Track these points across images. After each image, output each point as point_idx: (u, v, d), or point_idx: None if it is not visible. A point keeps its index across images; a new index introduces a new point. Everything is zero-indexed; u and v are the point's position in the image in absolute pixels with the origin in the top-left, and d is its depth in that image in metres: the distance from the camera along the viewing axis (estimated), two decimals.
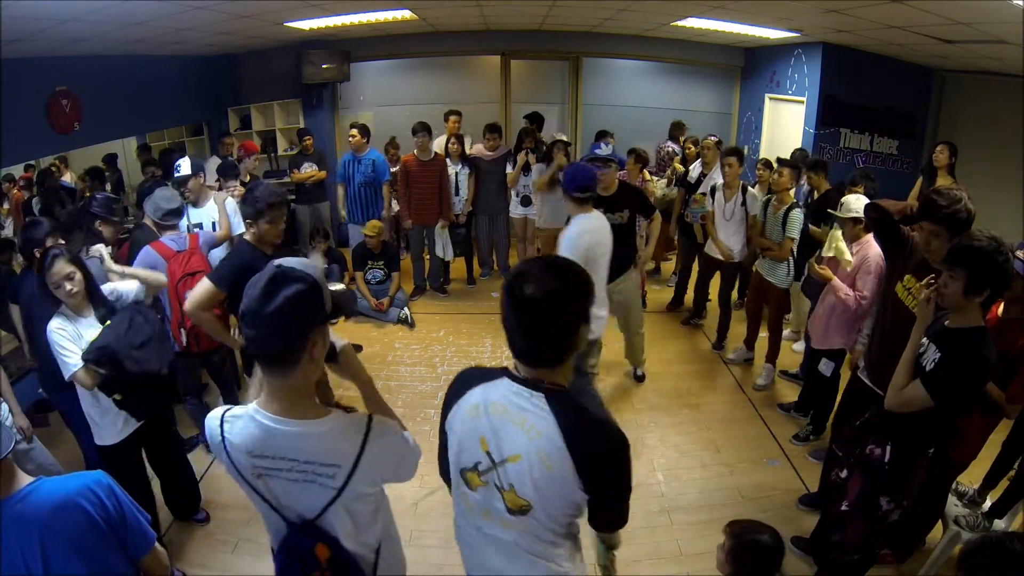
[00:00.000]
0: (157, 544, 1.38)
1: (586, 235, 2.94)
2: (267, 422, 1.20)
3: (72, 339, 2.24)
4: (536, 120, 5.86)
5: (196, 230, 3.57)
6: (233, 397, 3.39)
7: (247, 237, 2.67)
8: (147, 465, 2.64)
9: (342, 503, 1.26)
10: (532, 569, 1.35)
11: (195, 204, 3.74)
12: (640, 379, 4.15)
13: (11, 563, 1.16)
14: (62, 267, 2.23)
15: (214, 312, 2.61)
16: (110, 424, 2.38)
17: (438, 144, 5.61)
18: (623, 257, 3.52)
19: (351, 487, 1.24)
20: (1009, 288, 1.84)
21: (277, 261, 1.20)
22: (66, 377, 2.24)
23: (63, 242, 2.92)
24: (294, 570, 1.30)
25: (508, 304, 1.17)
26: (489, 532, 1.37)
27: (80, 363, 2.21)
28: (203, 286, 2.46)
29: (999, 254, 1.71)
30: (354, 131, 5.11)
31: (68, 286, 2.23)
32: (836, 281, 3.00)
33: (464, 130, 5.77)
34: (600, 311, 3.13)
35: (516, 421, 1.24)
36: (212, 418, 1.28)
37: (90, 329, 2.29)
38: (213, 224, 3.71)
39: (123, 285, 2.54)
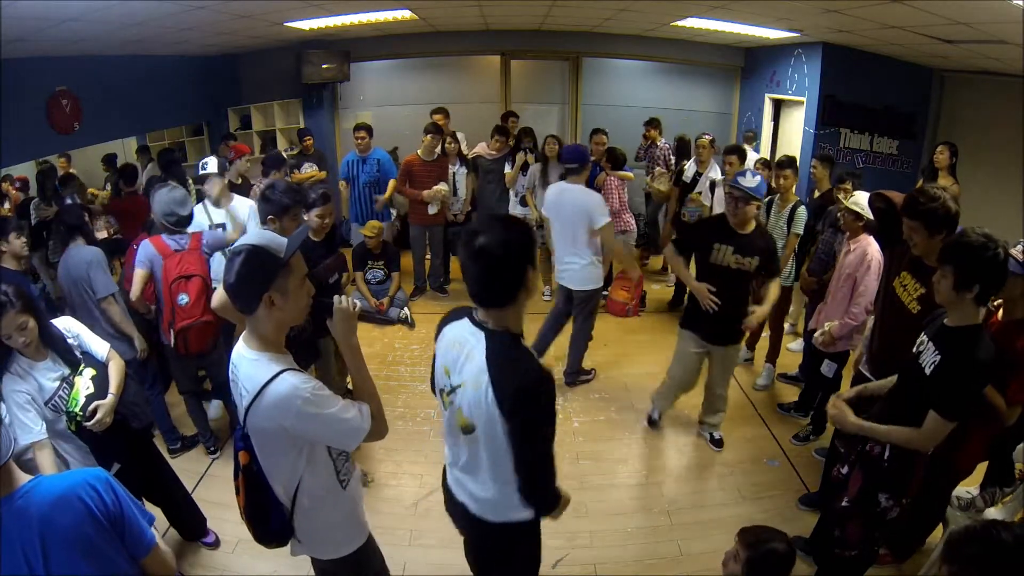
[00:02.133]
0: (162, 545, 1.36)
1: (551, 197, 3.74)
2: (240, 345, 1.55)
3: (32, 402, 2.04)
4: (513, 116, 5.93)
5: (217, 229, 3.43)
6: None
7: None
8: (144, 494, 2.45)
9: (249, 424, 1.51)
10: (483, 490, 1.63)
11: (216, 204, 3.59)
12: (718, 443, 3.47)
13: (12, 560, 1.16)
14: (12, 319, 1.99)
15: None
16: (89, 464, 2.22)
17: None
18: (736, 314, 3.00)
19: (251, 415, 1.48)
20: (1003, 285, 1.83)
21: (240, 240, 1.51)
22: (19, 445, 2.00)
23: (24, 240, 2.88)
24: (235, 463, 1.62)
25: (464, 255, 1.42)
26: (450, 441, 1.72)
27: (40, 436, 2.03)
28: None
29: (986, 249, 1.72)
30: (362, 132, 5.08)
31: (20, 338, 2.02)
32: (835, 327, 3.00)
33: (463, 129, 5.76)
34: (575, 260, 3.67)
35: (465, 353, 1.53)
36: None
37: (49, 374, 2.11)
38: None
39: (89, 340, 2.31)
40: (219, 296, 2.41)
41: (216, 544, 2.76)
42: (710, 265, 2.98)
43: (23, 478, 1.21)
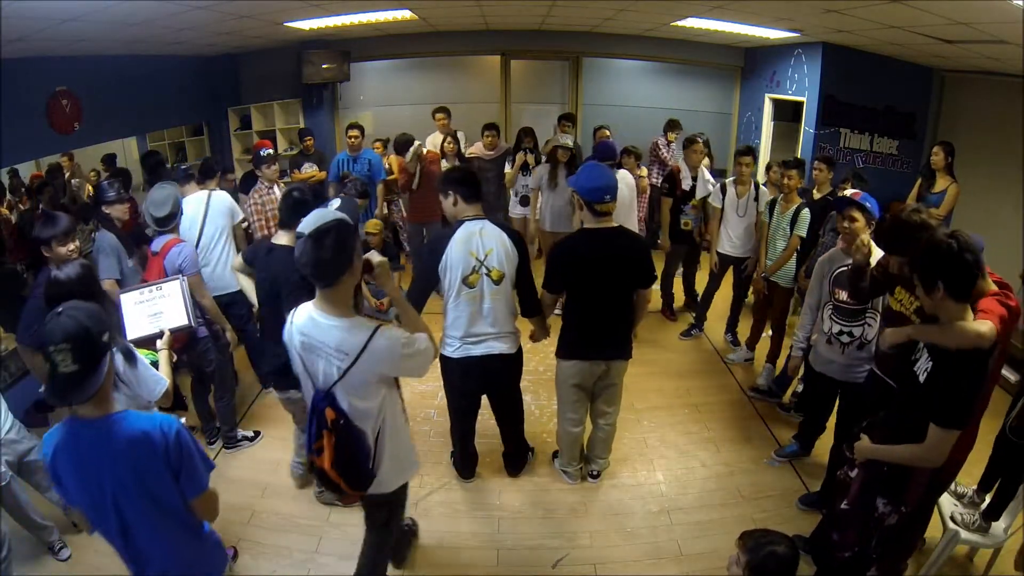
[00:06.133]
0: (211, 490, 1.61)
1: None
2: (316, 316, 1.75)
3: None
4: (570, 119, 5.80)
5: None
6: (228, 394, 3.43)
7: (285, 242, 2.61)
8: None
9: (343, 385, 1.75)
10: (507, 326, 2.74)
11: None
12: (595, 477, 3.20)
13: (87, 472, 1.46)
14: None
15: None
16: None
17: (432, 142, 5.60)
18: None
19: (351, 374, 1.73)
20: (975, 285, 1.76)
21: (311, 220, 1.65)
22: (157, 398, 2.05)
23: (71, 248, 2.74)
24: (313, 423, 1.79)
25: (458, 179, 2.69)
26: (482, 310, 2.68)
27: (166, 382, 2.09)
28: None
29: (948, 245, 1.68)
30: (356, 131, 5.12)
31: None
32: None
33: (463, 129, 5.75)
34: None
35: (483, 233, 2.60)
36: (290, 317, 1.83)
37: None
38: None
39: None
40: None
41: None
42: None
43: (116, 406, 1.51)
